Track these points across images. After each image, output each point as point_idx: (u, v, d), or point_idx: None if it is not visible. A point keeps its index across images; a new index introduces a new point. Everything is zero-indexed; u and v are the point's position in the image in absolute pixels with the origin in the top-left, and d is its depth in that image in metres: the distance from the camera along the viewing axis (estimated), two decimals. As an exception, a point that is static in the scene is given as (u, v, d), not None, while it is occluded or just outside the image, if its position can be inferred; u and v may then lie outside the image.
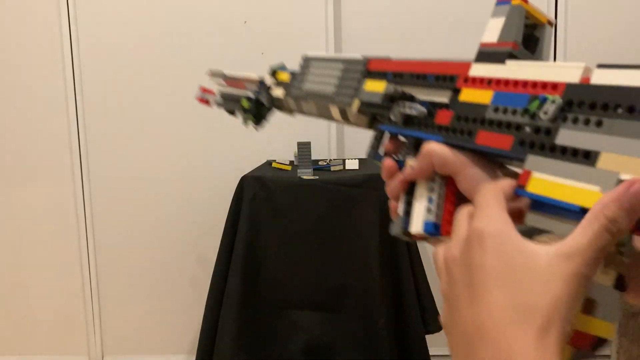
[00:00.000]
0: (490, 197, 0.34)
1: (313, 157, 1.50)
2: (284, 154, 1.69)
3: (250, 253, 1.36)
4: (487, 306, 0.29)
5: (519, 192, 0.36)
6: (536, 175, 0.36)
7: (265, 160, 1.67)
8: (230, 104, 0.75)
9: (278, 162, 1.56)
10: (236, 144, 1.74)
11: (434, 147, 0.44)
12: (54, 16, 1.66)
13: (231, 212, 1.42)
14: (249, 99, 0.72)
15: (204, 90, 0.78)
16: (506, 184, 0.35)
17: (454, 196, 0.46)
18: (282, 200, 1.38)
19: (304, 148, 1.44)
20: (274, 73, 0.71)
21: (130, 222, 1.78)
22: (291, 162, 1.61)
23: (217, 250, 1.42)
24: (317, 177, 1.39)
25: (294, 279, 1.37)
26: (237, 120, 1.59)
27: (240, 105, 0.73)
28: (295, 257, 1.38)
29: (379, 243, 1.34)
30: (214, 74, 0.80)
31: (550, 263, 0.28)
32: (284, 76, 0.68)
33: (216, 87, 0.76)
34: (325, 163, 1.54)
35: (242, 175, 1.43)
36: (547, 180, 0.35)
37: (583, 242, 0.28)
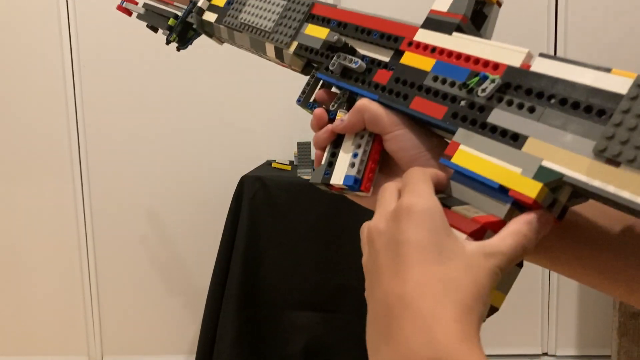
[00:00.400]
0: (420, 175, 0.34)
1: (313, 157, 1.50)
2: (284, 154, 1.68)
3: (250, 253, 1.36)
4: (413, 278, 0.29)
5: (443, 161, 0.37)
6: (463, 148, 0.37)
7: (265, 160, 1.67)
8: (154, 18, 0.70)
9: (278, 162, 1.56)
10: (236, 144, 1.73)
11: (368, 104, 0.43)
12: (54, 14, 1.65)
13: (231, 212, 1.41)
14: (177, 17, 0.67)
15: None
16: (437, 171, 0.36)
17: (378, 155, 0.46)
18: (282, 200, 1.38)
19: (304, 148, 1.44)
20: None
21: (130, 221, 1.77)
22: (291, 162, 1.61)
23: (217, 250, 1.42)
24: (317, 177, 1.39)
25: (294, 279, 1.37)
26: (237, 121, 1.60)
27: (167, 23, 0.67)
28: (295, 257, 1.37)
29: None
30: None
31: (474, 254, 0.30)
32: (219, 0, 0.63)
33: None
34: (325, 163, 1.53)
35: (242, 175, 1.43)
36: (473, 154, 0.36)
37: (503, 247, 0.30)
